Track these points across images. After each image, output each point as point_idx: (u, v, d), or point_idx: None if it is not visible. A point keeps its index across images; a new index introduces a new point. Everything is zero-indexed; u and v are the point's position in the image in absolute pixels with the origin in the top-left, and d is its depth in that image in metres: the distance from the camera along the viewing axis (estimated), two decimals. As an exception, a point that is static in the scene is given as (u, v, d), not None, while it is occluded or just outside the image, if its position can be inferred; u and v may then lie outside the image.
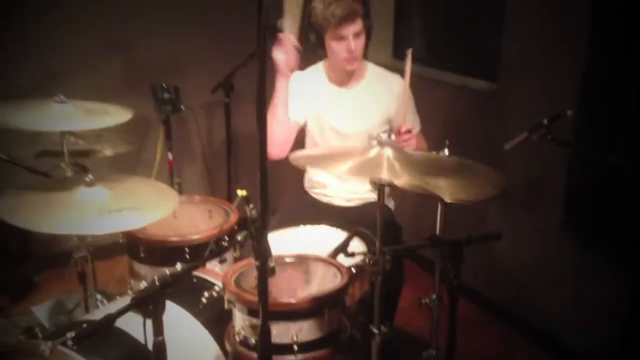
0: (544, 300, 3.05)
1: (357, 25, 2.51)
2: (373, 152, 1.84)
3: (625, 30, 2.46)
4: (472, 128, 3.27)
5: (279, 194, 2.60)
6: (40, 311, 2.94)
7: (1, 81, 3.23)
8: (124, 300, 2.18)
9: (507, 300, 3.23)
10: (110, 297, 2.71)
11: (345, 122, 2.70)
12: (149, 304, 1.45)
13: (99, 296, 2.66)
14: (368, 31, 2.58)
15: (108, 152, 2.71)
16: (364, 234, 2.23)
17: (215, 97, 3.43)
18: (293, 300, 1.89)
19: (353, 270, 2.12)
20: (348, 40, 2.51)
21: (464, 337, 2.13)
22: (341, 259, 2.18)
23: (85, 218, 1.99)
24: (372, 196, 2.77)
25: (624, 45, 2.46)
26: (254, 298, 1.90)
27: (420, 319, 2.77)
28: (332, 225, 2.50)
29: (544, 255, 2.97)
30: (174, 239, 2.48)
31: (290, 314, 1.87)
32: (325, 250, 2.23)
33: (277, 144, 2.63)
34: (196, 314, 2.09)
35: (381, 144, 1.82)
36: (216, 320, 2.11)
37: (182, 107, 3.12)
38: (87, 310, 2.48)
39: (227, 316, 2.04)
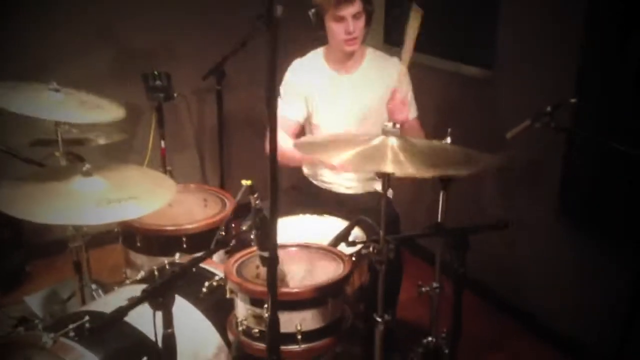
0: (541, 289, 3.06)
1: (355, 7, 2.51)
2: (377, 141, 1.83)
3: (622, 17, 2.46)
4: (467, 115, 3.27)
5: (281, 181, 2.58)
6: (33, 301, 2.91)
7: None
8: (123, 291, 2.17)
9: (504, 289, 3.24)
10: (105, 287, 2.68)
11: (344, 108, 2.69)
12: (159, 297, 1.42)
13: (93, 286, 2.64)
14: (368, 14, 2.58)
15: (101, 140, 2.67)
16: (365, 223, 2.22)
17: (207, 84, 3.39)
18: (297, 290, 1.88)
19: (353, 258, 2.12)
20: (347, 22, 2.51)
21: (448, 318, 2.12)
22: (341, 247, 2.18)
23: (84, 208, 1.97)
24: (372, 183, 2.78)
25: (620, 32, 2.46)
26: (257, 288, 1.90)
27: (418, 308, 2.78)
28: (332, 212, 2.49)
29: (540, 245, 2.99)
30: (171, 228, 2.46)
31: (294, 303, 1.86)
32: (325, 239, 2.23)
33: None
34: (197, 304, 2.07)
35: (386, 133, 1.81)
36: (216, 309, 2.10)
37: (175, 94, 3.08)
38: (83, 300, 2.45)
39: (228, 306, 2.03)
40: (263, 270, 1.98)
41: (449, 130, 2.02)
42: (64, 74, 2.46)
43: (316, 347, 1.92)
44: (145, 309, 1.54)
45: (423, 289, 2.32)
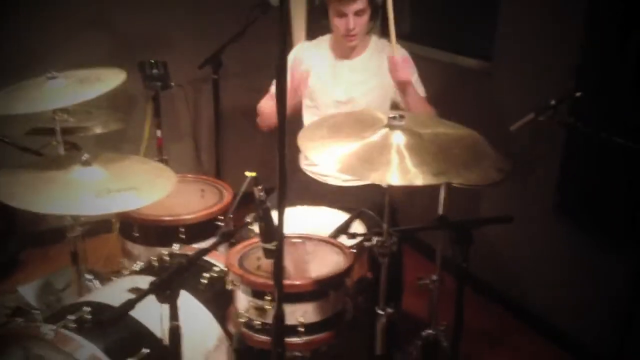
0: (539, 285, 3.07)
1: (359, 4, 2.50)
2: (380, 137, 1.80)
3: (623, 10, 2.46)
4: (465, 107, 3.25)
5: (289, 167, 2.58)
6: (27, 291, 2.87)
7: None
8: (121, 282, 2.15)
9: (501, 284, 3.24)
10: (100, 277, 2.65)
11: (343, 93, 2.70)
12: (167, 289, 1.41)
13: (89, 276, 2.61)
14: (374, 9, 2.57)
15: (98, 129, 2.64)
16: (367, 215, 2.22)
17: (203, 72, 3.36)
18: (299, 282, 1.87)
19: (354, 251, 2.11)
20: (348, 18, 2.50)
21: (448, 310, 2.12)
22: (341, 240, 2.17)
23: (83, 198, 1.95)
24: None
25: (621, 25, 2.46)
26: (259, 279, 1.89)
27: (416, 301, 2.78)
28: (328, 205, 2.48)
29: (537, 240, 2.99)
30: (169, 218, 2.44)
31: (296, 295, 1.85)
32: (324, 230, 2.22)
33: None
34: (197, 295, 2.06)
35: (391, 127, 1.79)
36: (216, 301, 2.09)
37: (172, 83, 3.05)
38: (79, 290, 2.43)
39: (227, 297, 2.02)
40: (264, 262, 1.98)
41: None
42: (59, 63, 2.42)
43: (317, 339, 1.91)
44: (144, 300, 1.52)
45: (422, 281, 2.34)
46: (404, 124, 1.80)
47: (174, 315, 1.46)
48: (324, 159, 1.80)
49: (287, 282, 1.85)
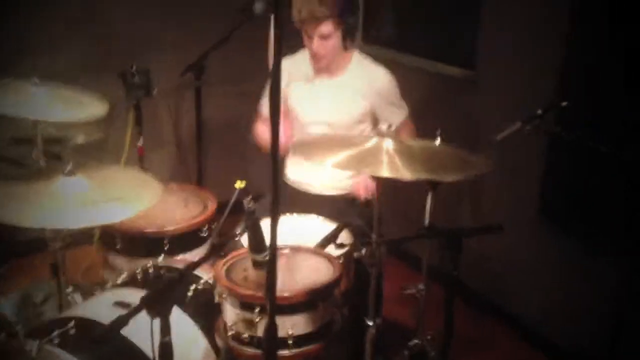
0: (523, 289, 3.08)
1: (324, 27, 2.46)
2: (372, 143, 1.81)
3: (607, 16, 2.48)
4: (449, 116, 3.27)
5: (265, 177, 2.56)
6: (5, 304, 2.80)
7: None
8: (105, 295, 2.11)
9: (487, 289, 3.25)
10: (80, 290, 2.60)
11: (325, 112, 2.66)
12: (159, 303, 1.38)
13: (68, 289, 2.55)
14: (346, 32, 2.53)
15: (80, 139, 2.59)
16: (353, 225, 2.21)
17: (185, 79, 3.31)
18: (289, 294, 1.85)
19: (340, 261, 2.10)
20: (312, 41, 2.49)
21: (434, 320, 2.13)
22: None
23: (68, 210, 1.90)
24: (349, 184, 2.74)
25: (606, 32, 2.48)
26: (247, 291, 1.87)
27: (398, 310, 2.78)
28: (313, 214, 2.47)
29: (522, 246, 3.00)
30: (153, 229, 2.40)
31: (286, 307, 1.83)
32: (310, 239, 2.20)
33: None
34: (183, 308, 2.02)
35: (381, 134, 1.79)
36: (202, 313, 2.06)
37: (155, 91, 3.01)
38: (60, 304, 2.37)
39: (213, 309, 1.99)
40: (251, 274, 1.96)
41: (439, 131, 2.02)
42: (41, 67, 2.38)
43: (306, 351, 1.89)
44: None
45: (407, 290, 2.33)
46: (393, 133, 1.81)
47: (165, 330, 1.43)
48: (319, 159, 1.81)
49: (277, 294, 1.84)
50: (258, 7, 2.98)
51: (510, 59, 2.97)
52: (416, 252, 3.11)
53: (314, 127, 2.66)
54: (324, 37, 2.49)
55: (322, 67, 2.62)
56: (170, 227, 2.41)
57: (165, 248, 2.38)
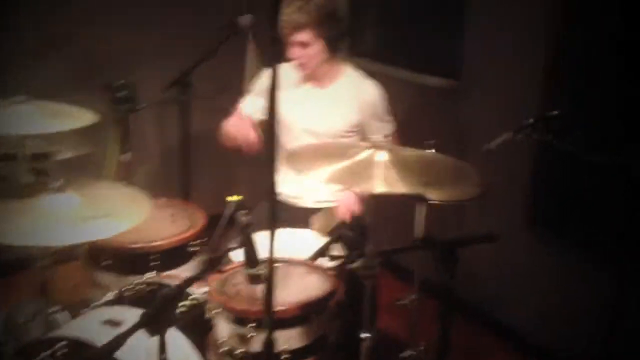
0: (512, 297, 3.09)
1: (302, 36, 2.47)
2: (365, 155, 1.80)
3: (588, 25, 2.52)
4: (434, 127, 3.28)
5: (253, 190, 2.54)
6: (-10, 324, 2.74)
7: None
8: (94, 313, 2.08)
9: (477, 299, 3.24)
10: (67, 308, 2.55)
11: (312, 120, 2.67)
12: (158, 321, 1.36)
13: (54, 307, 2.51)
14: (329, 41, 2.54)
15: (67, 154, 2.56)
16: (346, 237, 2.20)
17: (171, 93, 3.28)
18: (285, 308, 1.83)
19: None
20: (292, 48, 2.50)
21: (426, 330, 2.14)
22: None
23: (59, 227, 1.86)
24: (337, 196, 2.73)
25: (587, 42, 2.52)
26: (242, 306, 1.85)
27: (389, 322, 2.77)
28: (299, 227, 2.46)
29: (509, 254, 3.00)
30: (141, 245, 2.37)
31: (281, 321, 1.81)
32: (302, 253, 2.19)
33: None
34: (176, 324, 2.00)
35: (376, 146, 1.79)
36: (192, 328, 2.03)
37: (141, 105, 2.98)
38: (47, 323, 2.33)
39: (203, 325, 1.97)
40: (243, 288, 1.95)
41: (432, 142, 2.03)
42: (25, 83, 2.35)
43: (300, 366, 1.88)
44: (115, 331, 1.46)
45: (401, 301, 2.33)
46: (388, 144, 1.81)
47: (162, 347, 1.41)
48: (312, 173, 1.80)
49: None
50: (244, 20, 2.99)
51: (494, 68, 2.99)
52: (402, 263, 3.12)
53: (301, 135, 2.66)
54: (303, 45, 2.50)
55: (306, 75, 2.62)
56: (158, 243, 2.38)
57: (154, 264, 2.36)
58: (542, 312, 2.94)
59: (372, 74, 2.74)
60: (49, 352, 1.71)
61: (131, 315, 1.95)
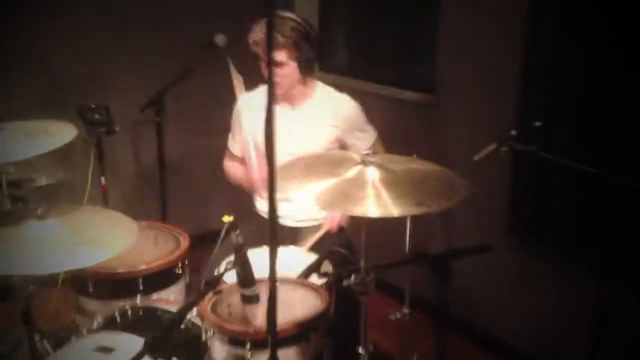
0: (491, 305, 3.11)
1: (277, 55, 2.45)
2: (355, 173, 1.80)
3: (564, 37, 2.57)
4: (410, 141, 3.29)
5: (240, 209, 2.50)
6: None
7: None
8: (83, 341, 2.03)
9: (457, 309, 3.26)
10: (50, 337, 2.48)
11: (293, 142, 2.64)
12: (163, 346, 1.32)
13: (37, 336, 2.43)
14: (302, 62, 2.54)
15: (43, 180, 2.50)
16: (336, 254, 2.19)
17: (146, 114, 3.25)
18: (281, 327, 1.80)
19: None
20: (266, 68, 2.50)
21: (417, 344, 2.14)
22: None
23: (42, 255, 1.80)
24: (321, 215, 2.72)
25: (563, 53, 2.57)
26: (237, 327, 1.82)
27: (378, 337, 2.76)
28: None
29: (488, 262, 3.03)
30: (126, 270, 2.33)
31: (280, 340, 1.78)
32: (291, 271, 2.17)
33: None
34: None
35: (365, 163, 1.78)
36: (185, 352, 1.99)
37: (116, 128, 2.94)
38: (32, 354, 2.25)
39: (195, 347, 1.94)
40: (236, 309, 1.92)
41: (414, 156, 2.04)
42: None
43: (298, 384, 1.86)
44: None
45: (392, 316, 2.32)
46: (377, 160, 1.80)
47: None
48: (301, 195, 1.77)
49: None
50: (219, 39, 2.98)
51: (470, 81, 3.03)
52: (387, 277, 3.12)
53: (281, 157, 2.64)
54: (277, 65, 2.48)
55: (279, 95, 2.60)
56: (143, 267, 2.35)
57: (140, 288, 2.32)
58: (523, 319, 2.97)
59: (344, 90, 2.74)
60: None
61: (123, 341, 1.91)
